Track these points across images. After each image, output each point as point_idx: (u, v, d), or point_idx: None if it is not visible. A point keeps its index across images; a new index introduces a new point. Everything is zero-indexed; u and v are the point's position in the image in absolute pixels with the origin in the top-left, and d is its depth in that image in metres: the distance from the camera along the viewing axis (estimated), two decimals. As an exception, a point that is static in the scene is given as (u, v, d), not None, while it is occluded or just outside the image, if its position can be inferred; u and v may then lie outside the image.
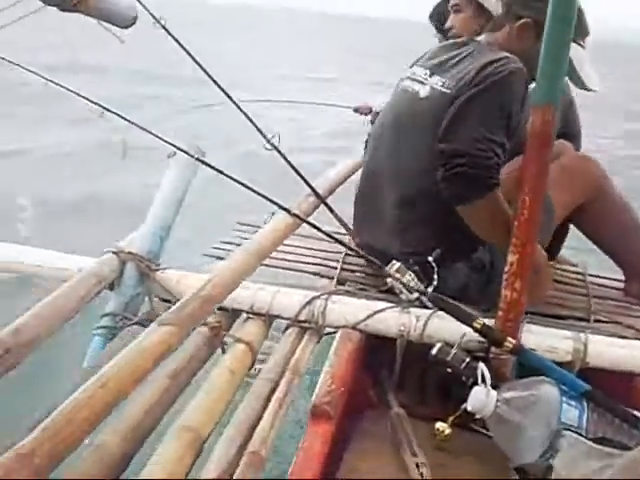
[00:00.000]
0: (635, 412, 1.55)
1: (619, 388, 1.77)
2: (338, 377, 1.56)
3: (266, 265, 2.04)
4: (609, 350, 1.78)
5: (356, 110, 3.68)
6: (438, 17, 2.98)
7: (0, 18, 1.70)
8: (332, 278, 2.12)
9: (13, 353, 1.29)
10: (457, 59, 1.87)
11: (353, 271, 2.19)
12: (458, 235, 1.88)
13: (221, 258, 2.20)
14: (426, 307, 1.79)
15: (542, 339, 1.78)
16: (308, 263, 2.19)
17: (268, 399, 1.43)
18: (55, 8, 1.64)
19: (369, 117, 3.49)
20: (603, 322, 2.06)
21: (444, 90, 1.81)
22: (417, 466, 1.40)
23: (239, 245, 2.34)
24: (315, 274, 2.17)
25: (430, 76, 1.89)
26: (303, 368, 1.59)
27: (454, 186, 1.74)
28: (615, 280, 2.34)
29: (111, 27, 1.86)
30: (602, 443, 1.44)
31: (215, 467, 1.18)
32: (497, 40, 1.91)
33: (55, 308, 1.46)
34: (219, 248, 2.32)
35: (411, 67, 2.03)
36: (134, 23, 1.95)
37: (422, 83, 1.89)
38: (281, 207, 1.79)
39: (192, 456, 1.19)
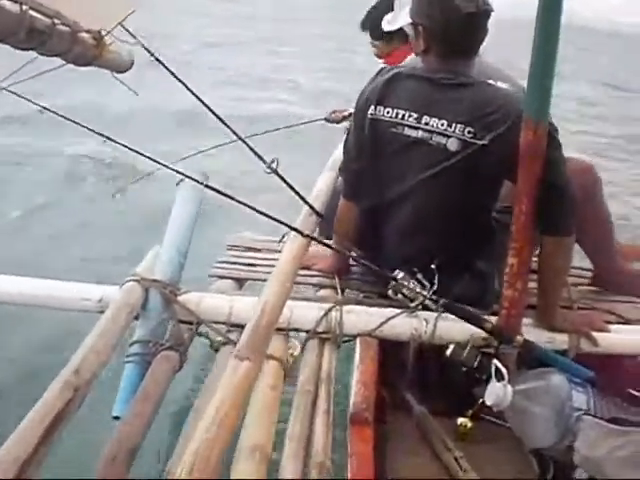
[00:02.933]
0: (635, 392, 1.73)
1: (610, 370, 1.94)
2: (368, 383, 1.68)
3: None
4: (599, 336, 1.95)
5: (327, 120, 3.63)
6: (372, 23, 3.03)
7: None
8: (333, 288, 2.22)
9: (81, 392, 1.35)
10: (457, 98, 1.93)
11: (351, 279, 2.31)
12: (463, 246, 2.03)
13: (226, 277, 2.28)
14: (432, 310, 1.91)
15: (540, 332, 1.94)
16: (307, 275, 2.29)
17: (313, 410, 1.53)
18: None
19: (345, 123, 3.40)
20: (585, 309, 2.23)
21: (483, 142, 1.86)
22: (455, 460, 1.53)
23: (238, 264, 2.43)
24: (315, 285, 2.27)
25: (443, 126, 1.92)
26: (333, 377, 1.70)
27: (570, 218, 1.86)
28: (589, 270, 2.53)
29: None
30: (616, 423, 1.60)
31: (291, 479, 1.27)
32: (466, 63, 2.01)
33: (105, 341, 1.52)
34: (220, 267, 2.38)
35: (374, 106, 2.04)
36: (132, 67, 2.03)
37: (439, 134, 1.92)
38: (294, 229, 1.89)
39: (265, 472, 1.28)
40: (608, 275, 2.43)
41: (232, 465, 1.28)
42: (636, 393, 1.77)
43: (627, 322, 2.13)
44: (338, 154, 2.82)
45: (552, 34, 1.66)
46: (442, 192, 1.97)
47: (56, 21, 1.46)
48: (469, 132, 1.89)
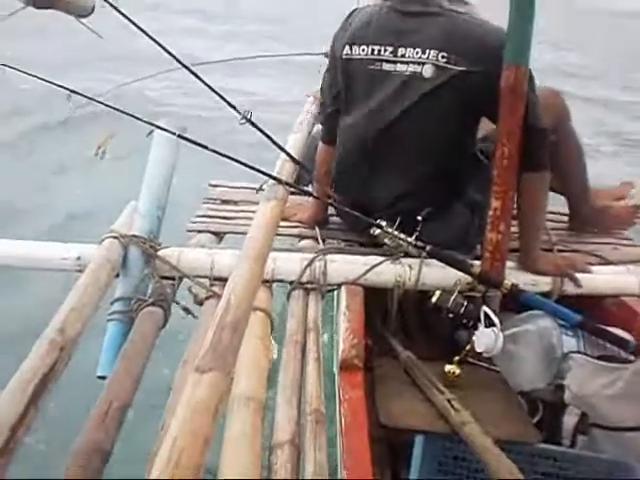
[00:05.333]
0: (622, 334, 1.75)
1: (592, 310, 1.96)
2: (356, 330, 1.67)
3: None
4: (582, 277, 1.97)
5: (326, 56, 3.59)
6: None
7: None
8: (313, 238, 2.20)
9: (67, 350, 1.32)
10: (430, 26, 1.89)
11: (331, 229, 2.29)
12: (452, 178, 2.03)
13: (204, 231, 2.24)
14: (416, 257, 1.90)
15: (523, 275, 1.95)
16: (287, 227, 2.26)
17: (302, 359, 1.52)
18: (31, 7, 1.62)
19: None
20: (565, 251, 2.25)
21: (458, 68, 1.84)
22: (448, 401, 1.53)
23: (216, 217, 2.39)
24: (296, 236, 2.25)
25: (418, 54, 1.89)
26: (320, 326, 1.69)
27: (543, 152, 1.87)
28: (566, 215, 2.55)
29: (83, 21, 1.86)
30: (605, 360, 1.62)
31: (286, 428, 1.26)
32: None
33: (87, 300, 1.48)
34: (198, 222, 2.34)
35: (348, 46, 2.01)
36: (93, 11, 1.95)
37: (414, 63, 1.90)
38: (273, 178, 1.85)
39: (261, 422, 1.26)
40: (582, 213, 2.45)
41: (227, 416, 1.26)
42: (620, 333, 1.79)
43: (608, 263, 2.14)
44: (303, 117, 2.79)
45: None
46: (422, 123, 1.95)
47: None
48: (443, 57, 1.87)
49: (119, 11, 2.06)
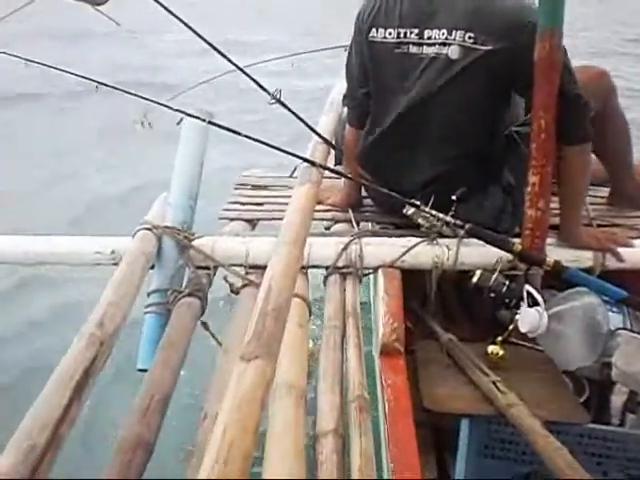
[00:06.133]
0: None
1: (635, 285, 1.91)
2: (396, 314, 1.64)
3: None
4: (624, 251, 1.91)
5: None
6: None
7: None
8: (348, 221, 2.17)
9: (106, 345, 1.31)
10: (455, 6, 1.85)
11: (365, 212, 2.26)
12: (487, 160, 1.99)
13: (237, 219, 2.22)
14: (453, 237, 1.87)
15: (564, 251, 1.90)
16: (320, 210, 2.23)
17: (342, 344, 1.50)
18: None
19: None
20: (605, 226, 2.19)
21: (485, 47, 1.80)
22: (493, 383, 1.50)
23: (248, 204, 2.38)
24: (330, 220, 2.22)
25: (444, 35, 1.86)
26: (359, 311, 1.66)
27: (585, 123, 1.81)
28: (602, 187, 2.48)
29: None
30: (652, 338, 1.57)
31: (330, 417, 1.24)
32: None
33: (123, 293, 1.47)
34: (230, 209, 2.33)
35: (374, 28, 1.97)
36: None
37: (441, 44, 1.86)
38: (307, 160, 1.83)
39: (303, 407, 1.24)
40: (626, 189, 2.38)
41: (270, 404, 1.25)
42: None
43: (650, 237, 2.08)
44: (334, 96, 2.76)
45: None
46: (452, 105, 1.92)
47: None
48: (470, 37, 1.82)
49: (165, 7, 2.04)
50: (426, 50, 1.90)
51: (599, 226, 2.18)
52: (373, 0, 2.02)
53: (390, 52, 1.96)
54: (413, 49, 1.92)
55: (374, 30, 1.98)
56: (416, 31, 1.91)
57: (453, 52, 1.85)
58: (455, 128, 1.95)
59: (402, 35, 1.93)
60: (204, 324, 1.66)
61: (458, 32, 1.84)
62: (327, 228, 2.19)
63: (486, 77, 1.86)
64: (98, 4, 1.96)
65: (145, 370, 1.47)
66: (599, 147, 2.04)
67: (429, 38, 1.89)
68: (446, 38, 1.86)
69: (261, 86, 1.95)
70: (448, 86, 1.89)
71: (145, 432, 1.20)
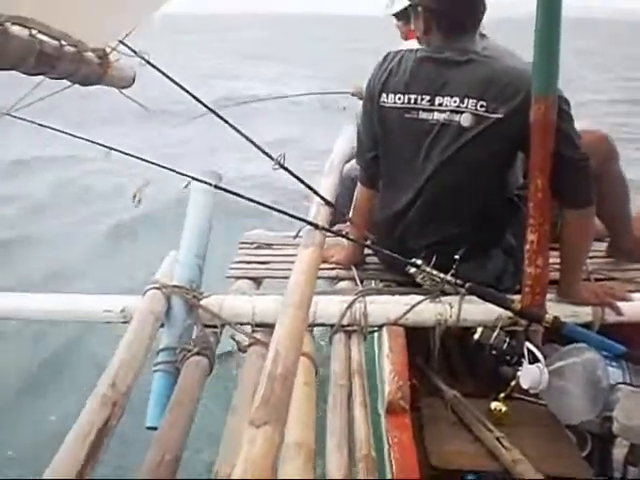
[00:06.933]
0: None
1: (635, 338, 1.94)
2: (401, 372, 1.67)
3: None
4: (623, 305, 1.95)
5: (354, 95, 3.68)
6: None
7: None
8: (352, 279, 2.22)
9: (119, 405, 1.34)
10: (466, 75, 1.92)
11: (368, 270, 2.30)
12: (491, 223, 2.04)
13: (243, 277, 2.27)
14: (455, 294, 1.91)
15: (563, 306, 1.94)
16: (324, 269, 2.28)
17: (349, 403, 1.53)
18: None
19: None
20: (603, 279, 2.23)
21: (496, 115, 1.87)
22: (497, 440, 1.53)
23: (253, 263, 2.43)
24: (334, 278, 2.26)
25: (455, 103, 1.92)
26: (364, 369, 1.69)
27: (588, 188, 1.85)
28: (600, 241, 2.53)
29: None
30: (651, 392, 1.61)
31: (338, 475, 1.27)
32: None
33: (134, 352, 1.51)
34: (236, 268, 2.37)
35: (385, 94, 2.04)
36: (134, 82, 2.01)
37: (452, 112, 1.93)
38: (310, 223, 1.88)
39: (312, 468, 1.27)
40: (624, 244, 2.43)
41: (279, 464, 1.27)
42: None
43: (648, 289, 2.12)
44: (334, 158, 2.83)
45: (556, 5, 1.67)
46: (461, 171, 1.97)
47: (63, 42, 1.42)
48: (482, 106, 1.89)
49: (156, 68, 2.12)
50: (437, 116, 1.96)
51: (597, 280, 2.21)
52: (384, 66, 2.09)
53: (400, 117, 2.02)
54: (423, 115, 1.99)
55: (384, 95, 2.05)
56: (427, 97, 1.97)
57: (465, 120, 1.92)
58: (464, 193, 2.01)
59: (412, 101, 2.00)
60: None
61: (470, 100, 1.90)
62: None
63: (496, 143, 1.92)
64: (124, 87, 2.02)
65: (155, 428, 1.50)
66: (598, 208, 2.09)
67: (440, 105, 1.96)
68: (458, 106, 1.93)
69: (265, 152, 2.02)
70: (460, 153, 1.95)
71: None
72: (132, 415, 1.73)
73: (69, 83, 1.57)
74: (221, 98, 7.74)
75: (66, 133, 1.99)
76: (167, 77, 2.11)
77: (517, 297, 1.87)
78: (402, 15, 3.22)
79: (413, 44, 2.25)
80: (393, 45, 2.49)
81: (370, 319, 1.86)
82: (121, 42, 1.67)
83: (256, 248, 2.60)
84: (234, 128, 2.06)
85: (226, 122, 2.11)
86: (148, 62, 1.81)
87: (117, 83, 1.78)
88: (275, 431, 1.00)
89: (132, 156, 1.98)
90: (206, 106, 2.05)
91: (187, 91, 2.09)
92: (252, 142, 2.08)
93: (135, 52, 1.85)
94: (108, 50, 1.63)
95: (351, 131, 2.98)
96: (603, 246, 2.52)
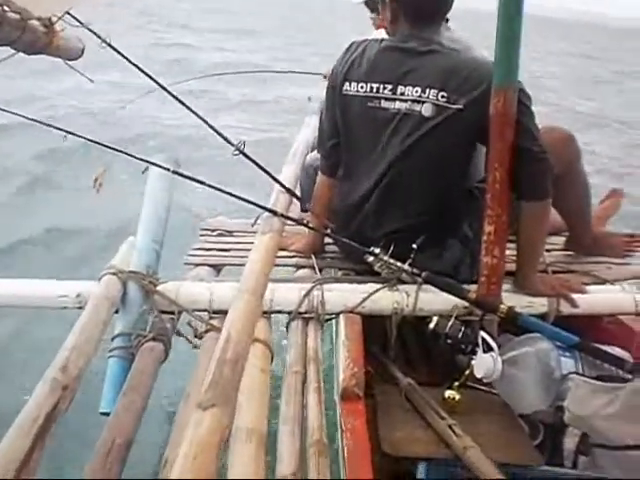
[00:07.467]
0: (619, 354, 1.77)
1: (589, 330, 1.98)
2: (356, 359, 1.68)
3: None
4: (578, 297, 1.98)
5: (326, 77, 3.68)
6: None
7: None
8: (311, 267, 2.22)
9: (70, 390, 1.33)
10: (429, 65, 1.93)
11: (328, 258, 2.31)
12: (449, 214, 2.05)
13: (202, 265, 2.25)
14: (412, 283, 1.92)
15: (519, 297, 1.96)
16: (284, 257, 2.28)
17: (303, 390, 1.53)
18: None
19: None
20: (561, 272, 2.26)
21: (456, 106, 1.88)
22: (449, 427, 1.54)
23: (213, 250, 2.41)
24: (293, 266, 2.26)
25: (417, 92, 1.93)
26: (320, 356, 1.70)
27: (545, 181, 1.87)
28: (557, 235, 2.57)
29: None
30: (602, 380, 1.63)
31: (289, 462, 1.26)
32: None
33: (87, 337, 1.49)
34: (195, 255, 2.36)
35: (348, 82, 2.04)
36: (82, 55, 1.98)
37: (414, 101, 1.93)
38: (269, 210, 1.88)
39: (264, 454, 1.27)
40: (583, 240, 2.46)
41: (229, 449, 1.27)
42: (617, 351, 1.81)
43: (603, 282, 2.16)
44: (297, 147, 2.83)
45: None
46: (420, 161, 1.97)
47: (5, 8, 1.40)
48: (442, 97, 1.90)
49: (115, 49, 2.09)
50: (398, 105, 1.97)
51: (555, 272, 2.25)
52: (347, 54, 2.10)
53: (362, 105, 2.03)
54: (385, 104, 1.99)
55: (347, 84, 2.05)
56: (390, 86, 1.98)
57: (426, 110, 1.93)
58: (423, 183, 2.02)
59: (375, 90, 2.00)
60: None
61: (432, 90, 1.91)
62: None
63: (457, 134, 1.94)
64: (72, 59, 2.00)
65: (108, 414, 1.49)
66: (559, 206, 2.12)
67: (402, 94, 1.96)
68: (419, 95, 1.93)
69: (225, 138, 2.01)
70: (420, 143, 1.95)
71: (106, 477, 1.21)
72: (87, 402, 1.73)
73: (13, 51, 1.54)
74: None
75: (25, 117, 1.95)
76: (117, 51, 2.08)
77: (473, 287, 1.89)
78: (372, 4, 3.22)
79: (382, 33, 2.26)
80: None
81: (327, 307, 1.87)
82: (67, 13, 1.65)
83: (217, 235, 2.58)
84: (194, 112, 2.05)
85: (186, 106, 2.10)
86: (95, 33, 1.79)
87: (64, 54, 1.76)
88: (223, 414, 1.00)
89: (93, 142, 1.94)
90: (158, 83, 2.04)
91: (138, 67, 2.06)
92: (212, 127, 2.08)
93: (81, 23, 1.83)
94: (54, 19, 1.60)
95: (315, 121, 2.98)
96: (562, 240, 2.56)
